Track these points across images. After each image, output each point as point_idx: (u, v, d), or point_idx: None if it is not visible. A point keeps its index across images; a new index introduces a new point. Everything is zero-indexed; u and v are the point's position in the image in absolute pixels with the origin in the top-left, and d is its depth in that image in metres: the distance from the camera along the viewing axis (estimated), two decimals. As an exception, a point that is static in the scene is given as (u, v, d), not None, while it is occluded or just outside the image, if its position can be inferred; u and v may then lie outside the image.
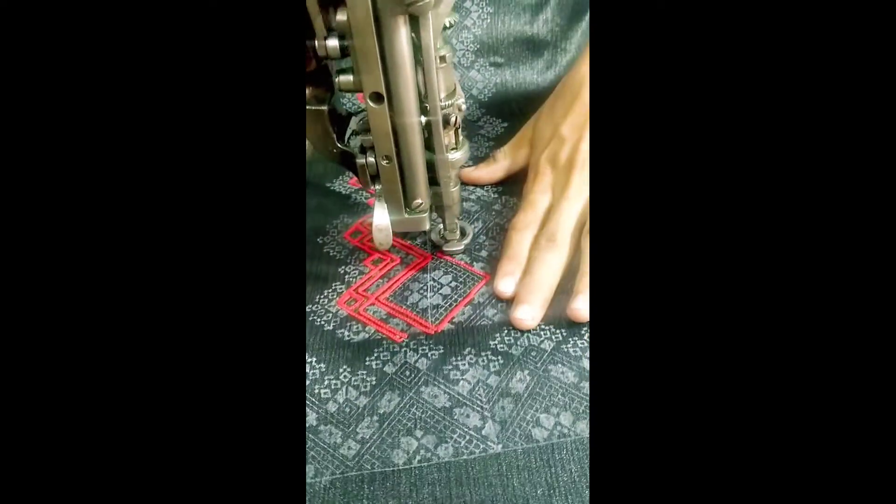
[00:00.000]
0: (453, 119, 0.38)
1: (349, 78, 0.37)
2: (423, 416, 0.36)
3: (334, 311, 0.44)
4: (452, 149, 0.40)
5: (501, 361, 0.38)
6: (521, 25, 0.64)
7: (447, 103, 0.37)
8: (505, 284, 0.43)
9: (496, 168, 0.54)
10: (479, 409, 0.36)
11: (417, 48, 0.34)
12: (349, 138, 0.42)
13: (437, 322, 0.42)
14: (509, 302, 0.43)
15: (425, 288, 0.45)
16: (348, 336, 0.41)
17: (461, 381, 0.37)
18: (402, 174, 0.40)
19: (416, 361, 0.39)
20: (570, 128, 0.47)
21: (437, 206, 0.44)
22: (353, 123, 0.41)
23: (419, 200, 0.41)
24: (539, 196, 0.46)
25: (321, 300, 0.44)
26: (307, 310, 0.44)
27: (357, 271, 0.47)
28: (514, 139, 0.54)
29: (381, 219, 0.42)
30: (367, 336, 0.41)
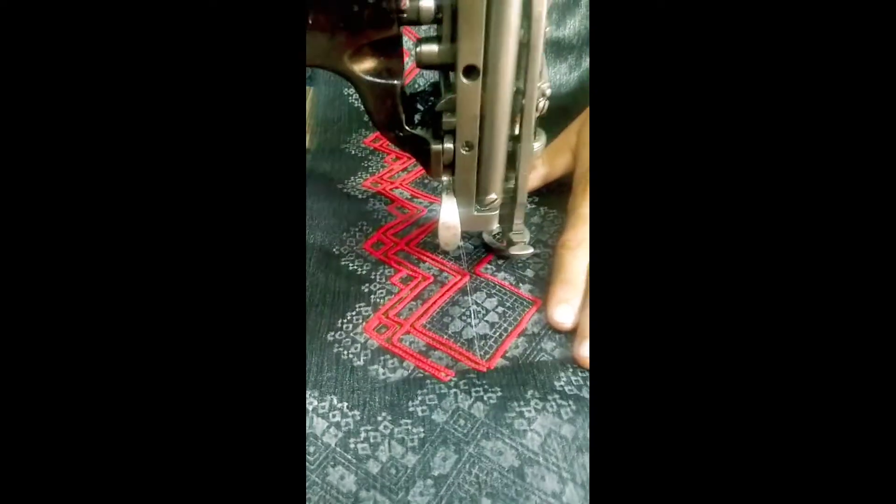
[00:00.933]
0: (542, 104, 0.34)
1: (433, 48, 0.31)
2: (489, 478, 0.29)
3: (363, 340, 0.37)
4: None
5: (574, 407, 0.32)
6: (549, 28, 0.58)
7: (539, 86, 0.33)
8: (562, 314, 0.37)
9: (533, 176, 0.47)
10: (555, 468, 0.30)
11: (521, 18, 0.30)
12: (418, 121, 0.35)
13: (487, 357, 0.35)
14: (569, 334, 0.37)
15: (468, 314, 0.38)
16: (384, 374, 0.35)
17: (529, 433, 0.31)
18: (480, 164, 0.35)
19: (470, 407, 0.32)
20: None
21: (502, 205, 0.39)
22: (438, 104, 0.34)
23: (493, 196, 0.37)
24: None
25: (345, 325, 0.37)
26: (330, 338, 0.37)
27: (384, 290, 0.40)
28: (553, 145, 0.48)
29: (450, 215, 0.36)
30: (405, 373, 0.35)
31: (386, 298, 0.39)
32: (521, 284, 0.40)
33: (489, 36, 0.29)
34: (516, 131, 0.35)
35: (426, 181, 0.51)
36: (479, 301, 0.39)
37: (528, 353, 0.36)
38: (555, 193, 0.47)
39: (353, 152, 0.55)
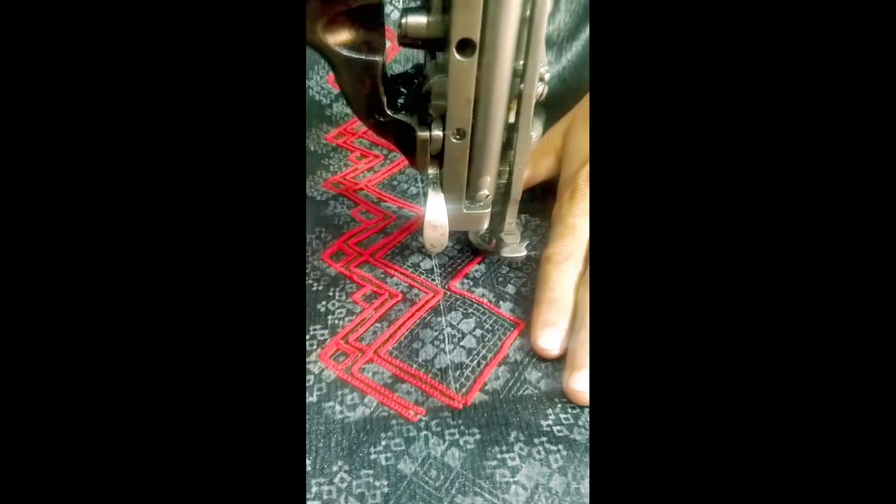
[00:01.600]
0: (542, 90, 0.30)
1: (421, 20, 0.27)
2: (466, 546, 0.24)
3: (317, 371, 0.31)
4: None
5: (564, 454, 0.27)
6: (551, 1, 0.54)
7: (542, 69, 0.29)
8: (548, 339, 0.32)
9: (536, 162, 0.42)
10: (544, 532, 0.25)
11: None
12: (401, 105, 0.31)
13: (463, 391, 0.30)
14: (556, 362, 0.32)
15: (441, 338, 0.33)
16: (341, 412, 0.29)
17: (513, 486, 0.26)
18: (472, 155, 0.31)
19: (443, 454, 0.27)
20: None
21: (493, 201, 0.35)
22: (426, 85, 0.30)
23: (485, 191, 0.33)
24: (580, 220, 0.36)
25: (297, 353, 0.32)
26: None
27: (344, 310, 0.35)
28: (537, 147, 0.41)
29: (437, 213, 0.32)
30: (367, 411, 0.29)
31: (346, 320, 0.34)
32: (501, 302, 0.35)
33: (488, 6, 0.25)
34: (512, 119, 0.31)
35: (395, 182, 0.45)
36: (453, 322, 0.34)
37: (510, 385, 0.31)
38: (538, 199, 0.42)
39: (311, 148, 0.49)
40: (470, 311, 0.34)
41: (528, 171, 0.41)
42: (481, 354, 0.32)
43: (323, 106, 0.53)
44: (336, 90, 0.54)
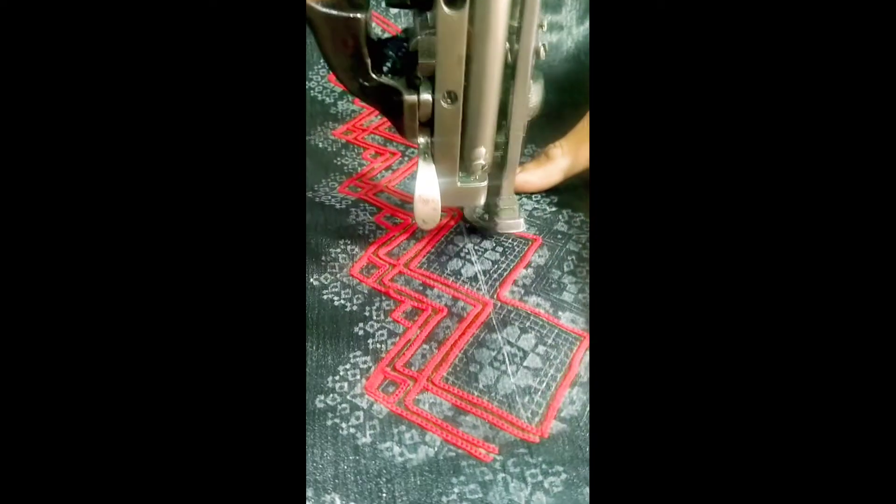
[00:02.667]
0: (542, 50, 0.28)
1: None
2: None
3: (366, 405, 0.27)
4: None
5: None
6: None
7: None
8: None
9: (552, 169, 0.39)
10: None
11: None
12: (388, 69, 0.29)
13: (537, 419, 0.27)
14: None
15: (501, 358, 0.29)
16: (401, 454, 0.25)
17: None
18: (465, 120, 0.29)
19: (528, 500, 0.23)
20: None
21: (489, 173, 0.33)
22: (412, 42, 0.27)
23: (481, 161, 0.30)
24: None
25: (338, 385, 0.28)
26: (320, 404, 0.27)
27: (385, 331, 0.30)
28: (573, 134, 0.39)
29: (428, 186, 0.30)
30: (431, 452, 0.25)
31: (389, 343, 0.30)
32: (559, 313, 0.31)
33: None
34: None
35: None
36: (511, 339, 0.30)
37: (589, 409, 0.27)
38: (577, 195, 0.39)
39: (320, 145, 0.45)
40: (527, 324, 0.31)
41: (568, 159, 0.39)
42: (549, 375, 0.28)
43: (326, 105, 0.49)
44: (339, 88, 0.50)
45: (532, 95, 0.29)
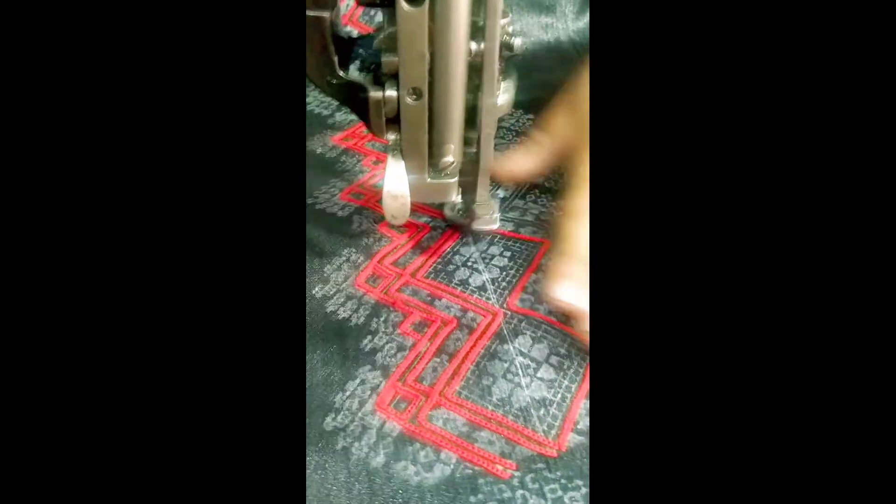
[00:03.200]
0: (519, 43, 0.29)
1: None
2: None
3: (377, 423, 0.26)
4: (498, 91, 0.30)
5: None
6: None
7: (503, 22, 0.27)
8: (565, 290, 0.30)
9: (544, 154, 0.38)
10: None
11: None
12: (355, 66, 0.30)
13: (553, 432, 0.26)
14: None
15: (514, 370, 0.28)
16: (416, 474, 0.25)
17: (641, 553, 0.22)
18: (432, 119, 0.29)
19: (551, 519, 0.23)
20: None
21: (462, 172, 0.33)
22: (376, 40, 0.28)
23: (450, 158, 0.30)
24: None
25: (347, 403, 0.27)
26: (329, 425, 0.26)
27: (394, 345, 0.30)
28: (554, 109, 0.39)
29: (397, 182, 0.30)
30: (447, 470, 0.25)
31: (398, 357, 0.29)
32: (571, 319, 0.31)
33: None
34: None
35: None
36: (524, 349, 0.29)
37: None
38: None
39: (318, 151, 0.44)
40: (539, 333, 0.30)
41: (551, 138, 0.38)
42: (564, 386, 0.28)
43: (324, 117, 0.48)
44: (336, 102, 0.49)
45: (503, 93, 0.30)
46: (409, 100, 0.28)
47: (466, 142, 0.31)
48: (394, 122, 0.29)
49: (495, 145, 0.33)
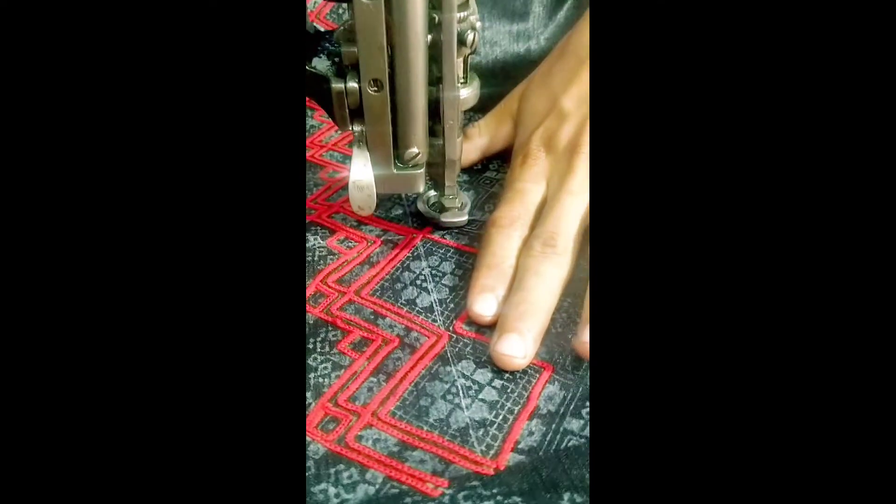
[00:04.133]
0: (471, 38, 0.29)
1: None
2: None
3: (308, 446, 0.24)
4: (461, 83, 0.31)
5: None
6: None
7: (461, 15, 0.28)
8: (484, 304, 0.30)
9: (470, 148, 0.41)
10: None
11: None
12: (318, 58, 0.31)
13: (493, 452, 0.24)
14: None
15: (455, 391, 0.27)
16: (337, 495, 0.22)
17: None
18: (395, 110, 0.30)
19: (480, 540, 0.21)
20: (573, 101, 0.36)
21: (432, 164, 0.34)
22: (336, 32, 0.29)
23: (415, 149, 0.31)
24: (530, 185, 0.35)
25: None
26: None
27: (329, 364, 0.28)
28: (494, 112, 0.42)
29: (362, 173, 0.31)
30: (370, 490, 0.23)
31: (333, 376, 0.27)
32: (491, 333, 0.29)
33: None
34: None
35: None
36: (466, 372, 0.27)
37: (549, 440, 0.24)
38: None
39: None
40: (484, 358, 0.28)
41: (486, 139, 0.41)
42: (506, 408, 0.26)
43: None
44: None
45: (468, 87, 0.31)
46: (370, 91, 0.28)
47: (434, 133, 0.32)
48: (358, 113, 0.30)
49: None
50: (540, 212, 0.34)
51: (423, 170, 0.32)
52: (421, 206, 0.36)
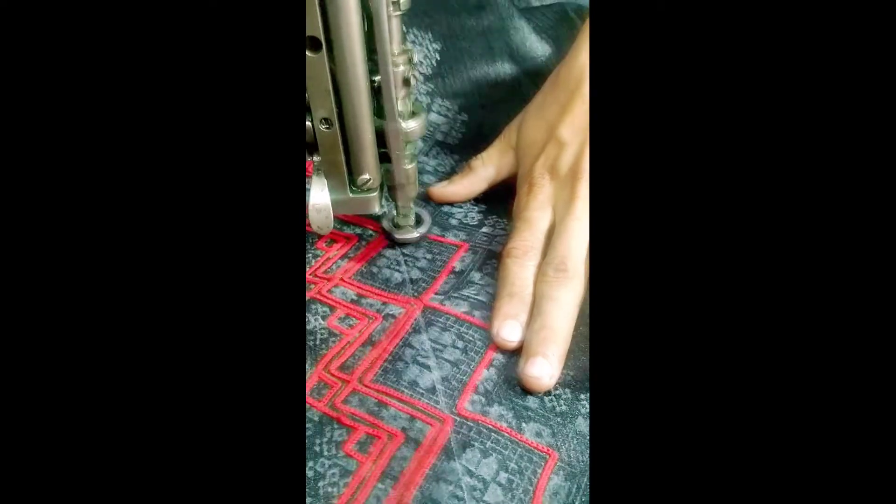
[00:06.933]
0: (408, 71, 0.33)
1: None
2: None
3: None
4: (410, 115, 0.35)
5: None
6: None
7: (402, 59, 0.33)
8: (509, 331, 0.33)
9: (475, 179, 0.44)
10: None
11: None
12: None
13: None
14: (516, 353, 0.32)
15: (458, 492, 0.27)
16: None
17: None
18: (347, 143, 0.35)
19: None
20: (569, 129, 0.38)
21: (391, 187, 0.38)
22: None
23: (366, 176, 0.36)
24: (538, 213, 0.38)
25: None
26: None
27: (337, 470, 0.28)
28: (495, 144, 0.44)
29: (320, 197, 0.36)
30: None
31: (342, 484, 0.28)
32: (523, 424, 0.29)
33: (325, 5, 0.29)
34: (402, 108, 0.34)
35: (374, 269, 0.39)
36: (471, 467, 0.28)
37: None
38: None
39: None
40: (488, 444, 0.28)
41: (490, 169, 0.44)
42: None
43: None
44: None
45: (415, 123, 0.35)
46: (322, 128, 0.33)
47: (387, 158, 0.36)
48: (314, 146, 0.35)
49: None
50: (549, 237, 0.36)
51: (376, 193, 0.37)
52: (384, 223, 0.41)
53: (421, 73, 0.52)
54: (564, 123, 0.38)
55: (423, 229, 0.40)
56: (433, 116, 0.50)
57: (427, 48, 0.52)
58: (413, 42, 0.52)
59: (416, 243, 0.40)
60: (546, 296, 0.33)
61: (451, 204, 0.45)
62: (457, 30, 0.52)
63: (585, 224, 0.35)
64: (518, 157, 0.42)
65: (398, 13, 0.31)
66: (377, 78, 0.32)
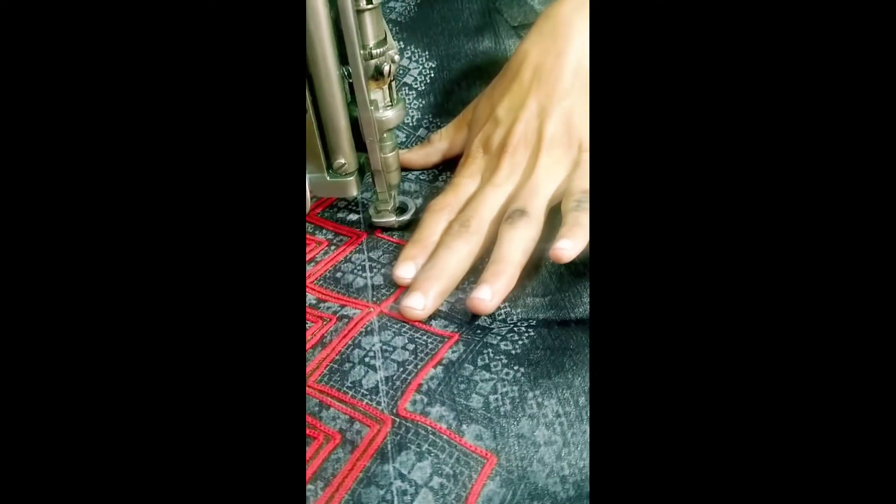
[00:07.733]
0: (386, 69, 0.34)
1: None
2: None
3: None
4: (387, 106, 0.37)
5: None
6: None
7: (377, 51, 0.34)
8: (404, 269, 0.36)
9: (431, 151, 0.47)
10: None
11: None
12: None
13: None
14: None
15: (388, 496, 0.25)
16: None
17: None
18: (322, 128, 0.36)
19: None
20: (505, 110, 0.42)
21: (372, 173, 0.39)
22: None
23: (341, 160, 0.37)
24: (466, 180, 0.41)
25: None
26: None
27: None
28: (454, 121, 0.48)
29: None
30: None
31: (269, 487, 0.27)
32: (464, 426, 0.27)
33: None
34: (376, 98, 0.36)
35: (339, 274, 0.38)
36: (404, 471, 0.26)
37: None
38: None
39: None
40: (425, 446, 0.27)
41: (446, 144, 0.47)
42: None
43: None
44: None
45: (392, 112, 0.36)
46: None
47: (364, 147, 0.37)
48: None
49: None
50: (468, 201, 0.39)
51: (353, 178, 0.38)
52: (371, 209, 0.42)
53: (414, 90, 0.52)
54: (502, 104, 0.42)
55: (405, 217, 0.41)
56: (422, 132, 0.51)
57: (423, 66, 0.52)
58: (409, 59, 0.52)
59: (389, 238, 0.41)
60: (444, 244, 0.36)
61: (409, 169, 0.48)
62: (454, 51, 0.53)
63: (500, 191, 0.38)
64: (469, 130, 0.46)
65: (370, 7, 0.33)
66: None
